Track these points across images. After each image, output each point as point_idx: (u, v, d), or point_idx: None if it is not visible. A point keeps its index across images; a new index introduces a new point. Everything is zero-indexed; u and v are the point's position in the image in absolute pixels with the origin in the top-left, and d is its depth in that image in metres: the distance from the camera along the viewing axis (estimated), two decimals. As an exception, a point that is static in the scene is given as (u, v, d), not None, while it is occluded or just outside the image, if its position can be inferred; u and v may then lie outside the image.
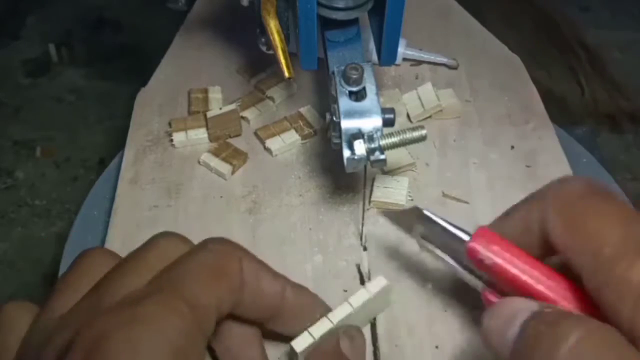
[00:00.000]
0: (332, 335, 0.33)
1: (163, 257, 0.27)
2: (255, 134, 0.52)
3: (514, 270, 0.29)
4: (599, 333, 0.23)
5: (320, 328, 0.33)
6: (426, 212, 0.33)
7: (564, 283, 0.28)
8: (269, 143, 0.51)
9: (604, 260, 0.24)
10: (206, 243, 0.29)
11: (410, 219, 0.34)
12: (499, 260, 0.29)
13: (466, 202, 0.47)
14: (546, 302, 0.27)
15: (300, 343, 0.33)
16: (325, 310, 0.34)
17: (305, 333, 0.33)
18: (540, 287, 0.28)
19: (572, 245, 0.26)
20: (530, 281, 0.28)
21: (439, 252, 0.33)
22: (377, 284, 0.36)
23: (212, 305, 0.26)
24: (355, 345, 0.34)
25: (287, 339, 0.34)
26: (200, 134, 0.52)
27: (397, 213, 0.38)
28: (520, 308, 0.26)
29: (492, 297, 0.30)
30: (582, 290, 0.26)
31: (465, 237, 0.31)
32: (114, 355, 0.21)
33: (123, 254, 0.43)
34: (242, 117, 0.54)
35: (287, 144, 0.51)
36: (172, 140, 0.51)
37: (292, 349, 0.33)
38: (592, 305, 0.26)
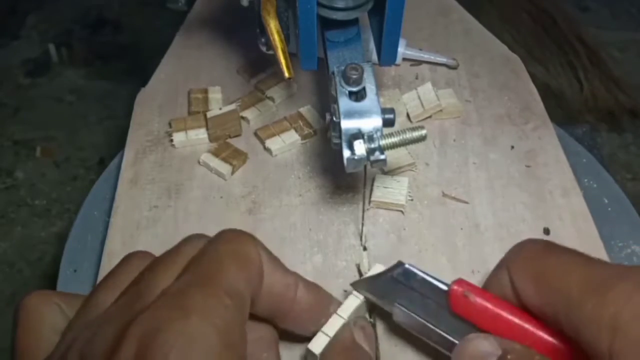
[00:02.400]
0: (345, 328, 0.34)
1: (192, 253, 0.28)
2: (255, 134, 0.52)
3: (498, 310, 0.30)
4: None
5: (333, 325, 0.33)
6: (408, 267, 0.33)
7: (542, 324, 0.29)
8: (269, 143, 0.51)
9: (574, 304, 0.26)
10: (223, 233, 0.29)
11: (383, 284, 0.34)
12: (479, 300, 0.30)
13: (466, 202, 0.47)
14: (518, 341, 0.29)
15: (318, 344, 0.33)
16: (337, 305, 0.35)
17: (320, 334, 0.33)
18: (527, 326, 0.29)
19: (544, 300, 0.28)
20: (515, 319, 0.29)
21: (414, 315, 0.33)
22: (376, 271, 0.36)
23: (246, 291, 0.27)
24: (367, 334, 0.35)
25: (300, 339, 0.34)
26: (200, 134, 0.52)
27: (370, 279, 0.36)
28: (489, 350, 0.28)
29: None
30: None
31: (445, 287, 0.32)
32: (170, 346, 0.22)
33: (123, 253, 0.43)
34: (242, 117, 0.54)
35: (287, 144, 0.51)
36: (172, 140, 0.51)
37: (309, 352, 0.33)
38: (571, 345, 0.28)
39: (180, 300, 0.24)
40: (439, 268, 0.43)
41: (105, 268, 0.43)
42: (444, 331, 0.32)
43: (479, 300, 0.30)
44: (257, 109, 0.54)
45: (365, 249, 0.44)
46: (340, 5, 0.41)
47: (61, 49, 1.31)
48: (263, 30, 0.43)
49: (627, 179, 1.11)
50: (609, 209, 0.52)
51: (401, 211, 0.46)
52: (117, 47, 1.32)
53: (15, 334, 0.27)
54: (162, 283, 0.26)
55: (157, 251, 0.43)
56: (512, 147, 0.51)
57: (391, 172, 0.48)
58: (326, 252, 0.44)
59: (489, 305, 0.30)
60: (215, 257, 0.27)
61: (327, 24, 0.43)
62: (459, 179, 0.49)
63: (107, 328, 0.24)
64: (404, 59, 0.59)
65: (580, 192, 0.48)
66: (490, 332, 0.30)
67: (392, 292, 0.34)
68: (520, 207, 0.47)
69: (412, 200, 0.47)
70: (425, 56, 0.59)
